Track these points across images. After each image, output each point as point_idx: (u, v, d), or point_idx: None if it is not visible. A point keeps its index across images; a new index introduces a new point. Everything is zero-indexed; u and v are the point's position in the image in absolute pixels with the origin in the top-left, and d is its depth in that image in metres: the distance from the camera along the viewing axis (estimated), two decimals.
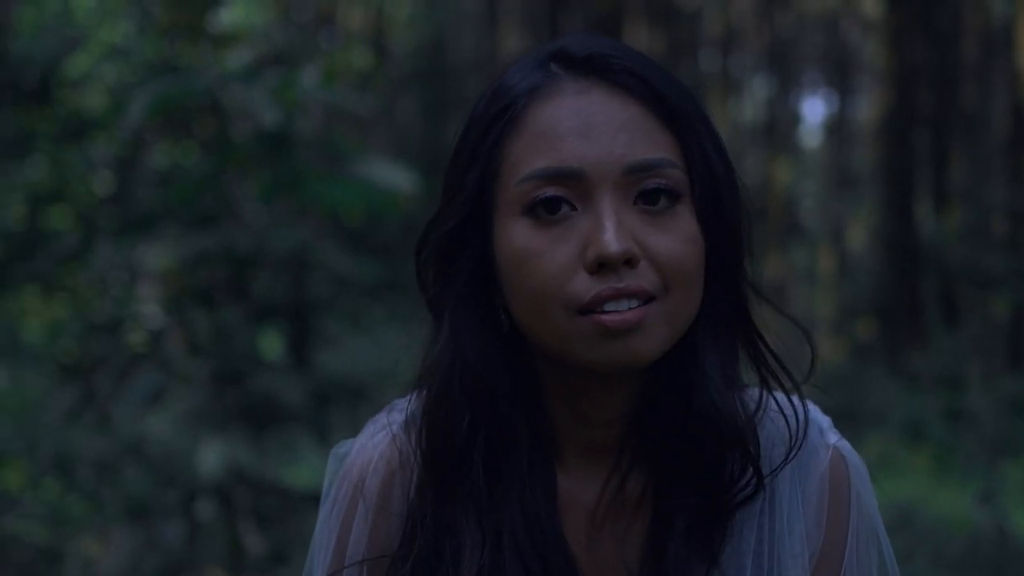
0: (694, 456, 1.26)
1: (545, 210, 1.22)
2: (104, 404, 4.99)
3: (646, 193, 1.22)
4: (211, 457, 4.67)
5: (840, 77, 45.71)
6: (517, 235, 1.23)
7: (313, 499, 5.16)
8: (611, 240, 1.18)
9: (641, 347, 1.20)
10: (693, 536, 1.26)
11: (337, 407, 5.09)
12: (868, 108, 46.28)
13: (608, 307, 1.20)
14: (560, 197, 1.21)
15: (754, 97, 54.06)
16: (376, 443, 1.36)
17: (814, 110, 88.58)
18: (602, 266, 1.19)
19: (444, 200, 1.31)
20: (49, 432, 7.81)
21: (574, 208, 1.22)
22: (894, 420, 13.63)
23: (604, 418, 1.29)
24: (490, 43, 35.60)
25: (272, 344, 5.36)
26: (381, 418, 1.38)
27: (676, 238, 1.22)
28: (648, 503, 1.29)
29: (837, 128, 46.80)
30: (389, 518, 1.32)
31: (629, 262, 1.19)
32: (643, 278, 1.20)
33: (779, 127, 41.26)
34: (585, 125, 1.22)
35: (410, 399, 1.34)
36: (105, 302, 16.82)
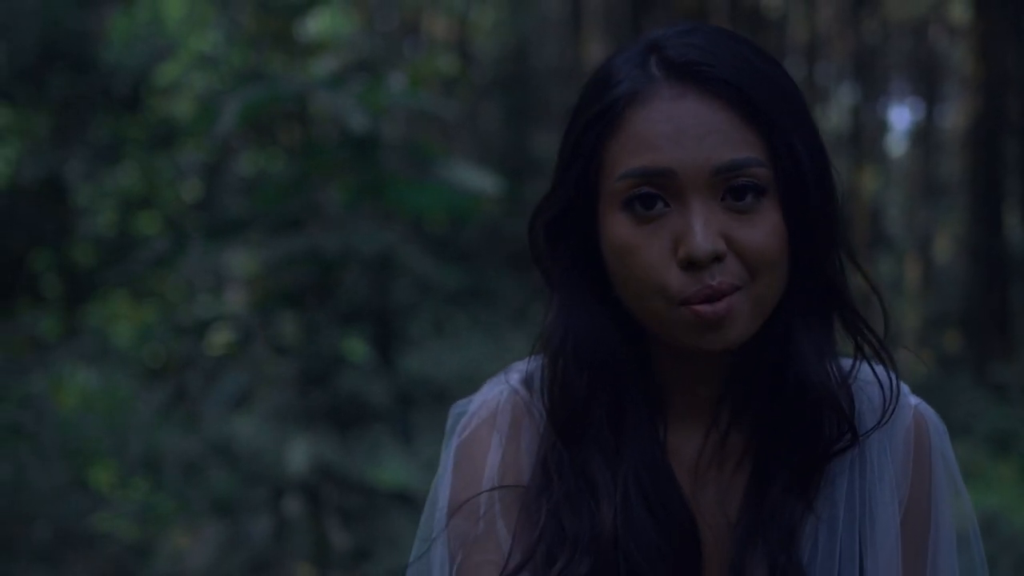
0: (791, 418, 1.38)
1: (642, 206, 1.33)
2: (193, 404, 5.08)
3: (733, 190, 1.32)
4: (298, 455, 4.76)
5: (927, 84, 45.26)
6: (617, 228, 1.35)
7: (397, 498, 5.25)
8: (700, 243, 1.30)
9: (731, 335, 1.33)
10: (791, 485, 1.38)
11: (420, 409, 5.16)
12: (956, 116, 45.80)
13: (700, 300, 1.31)
14: (655, 194, 1.33)
15: (840, 104, 53.66)
16: (498, 393, 1.47)
17: (901, 118, 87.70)
18: (692, 264, 1.31)
19: (551, 188, 1.43)
20: (138, 432, 7.97)
21: (667, 205, 1.33)
22: (980, 430, 13.49)
23: (703, 383, 1.42)
24: (573, 50, 35.66)
25: (358, 346, 5.44)
26: (499, 378, 1.49)
27: (761, 231, 1.32)
28: (749, 458, 1.41)
29: (924, 136, 46.33)
30: (518, 453, 1.43)
31: (718, 258, 1.31)
32: (730, 272, 1.32)
33: (865, 135, 40.93)
34: (677, 130, 1.32)
35: (528, 361, 1.47)
36: (193, 306, 17.11)
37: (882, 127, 50.51)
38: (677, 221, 1.32)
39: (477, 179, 5.15)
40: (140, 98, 16.38)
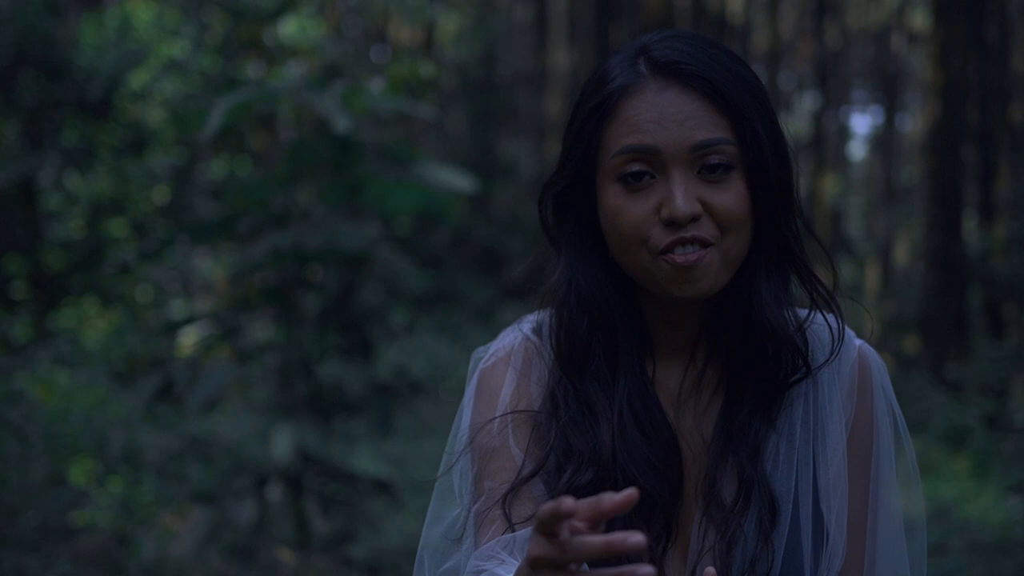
0: (756, 355, 1.70)
1: (632, 179, 1.65)
2: (180, 395, 5.28)
3: (707, 165, 1.64)
4: (281, 444, 4.97)
5: (888, 91, 45.64)
6: (612, 197, 1.67)
7: (376, 484, 5.46)
8: (680, 205, 1.62)
9: (702, 285, 1.64)
10: (756, 409, 1.70)
11: (397, 400, 5.38)
12: (916, 122, 46.18)
13: (677, 251, 1.63)
14: (643, 171, 1.64)
15: (802, 111, 54.03)
16: (513, 339, 1.81)
17: (862, 124, 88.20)
18: (673, 223, 1.62)
19: (557, 167, 1.75)
20: (119, 429, 8.12)
21: (653, 177, 1.65)
22: (936, 428, 13.81)
23: (683, 327, 1.74)
24: (539, 56, 35.84)
25: (337, 340, 5.65)
26: (514, 327, 1.84)
27: (730, 197, 1.64)
28: (721, 388, 1.73)
29: (885, 142, 46.71)
30: (529, 385, 1.74)
31: (694, 219, 1.63)
32: (703, 229, 1.63)
33: (827, 141, 41.24)
34: (661, 115, 1.64)
35: (537, 314, 1.81)
36: (164, 309, 17.18)
37: (844, 133, 50.89)
38: (661, 189, 1.64)
39: (453, 179, 5.39)
40: (111, 103, 16.47)
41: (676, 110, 1.63)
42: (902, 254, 46.74)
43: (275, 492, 5.29)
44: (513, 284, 26.56)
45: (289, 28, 18.72)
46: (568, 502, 1.22)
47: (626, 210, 1.64)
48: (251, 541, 5.21)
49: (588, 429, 1.66)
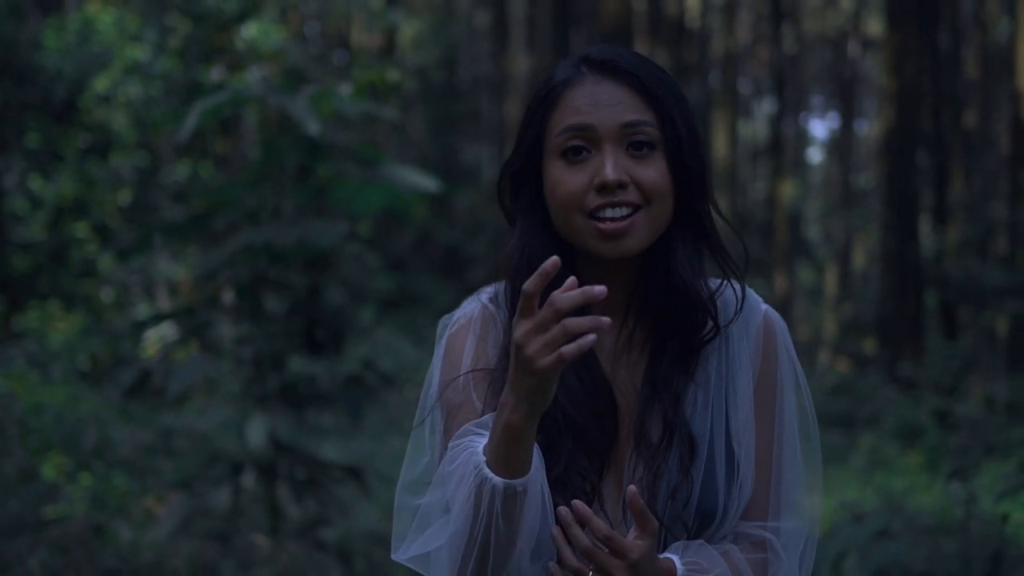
0: (675, 317, 1.98)
1: (572, 154, 1.94)
2: (158, 386, 5.47)
3: (634, 143, 1.93)
4: (255, 433, 5.18)
5: (845, 96, 46.07)
6: (555, 170, 1.95)
7: (347, 470, 5.67)
8: (610, 172, 1.91)
9: (629, 245, 1.93)
10: (676, 363, 1.97)
11: (367, 391, 5.60)
12: (873, 127, 46.64)
13: (607, 213, 1.90)
14: (581, 146, 1.93)
15: (762, 115, 54.45)
16: (472, 308, 2.06)
17: (820, 129, 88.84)
18: (604, 188, 1.91)
19: (513, 151, 2.02)
20: (89, 425, 8.28)
21: (589, 152, 1.93)
22: (890, 424, 14.15)
23: (615, 291, 1.94)
24: (499, 62, 36.07)
25: (308, 333, 5.85)
26: (473, 297, 2.09)
27: (652, 171, 1.93)
28: (648, 345, 2.00)
29: (842, 147, 47.17)
30: (486, 347, 2.01)
31: (621, 186, 1.91)
32: (630, 195, 1.92)
33: (785, 146, 41.57)
34: (596, 101, 1.94)
35: (494, 286, 2.07)
36: (128, 310, 17.26)
37: (802, 138, 51.32)
38: (595, 161, 1.92)
39: (418, 179, 5.62)
40: (76, 107, 16.59)
41: (609, 97, 1.94)
42: (860, 257, 47.20)
43: (249, 480, 5.50)
44: (474, 287, 26.71)
45: (251, 32, 18.90)
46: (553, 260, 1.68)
47: (566, 180, 1.92)
48: (227, 527, 5.42)
49: None
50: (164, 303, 21.60)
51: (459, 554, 1.84)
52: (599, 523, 1.78)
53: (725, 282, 2.02)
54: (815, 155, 58.25)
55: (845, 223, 43.77)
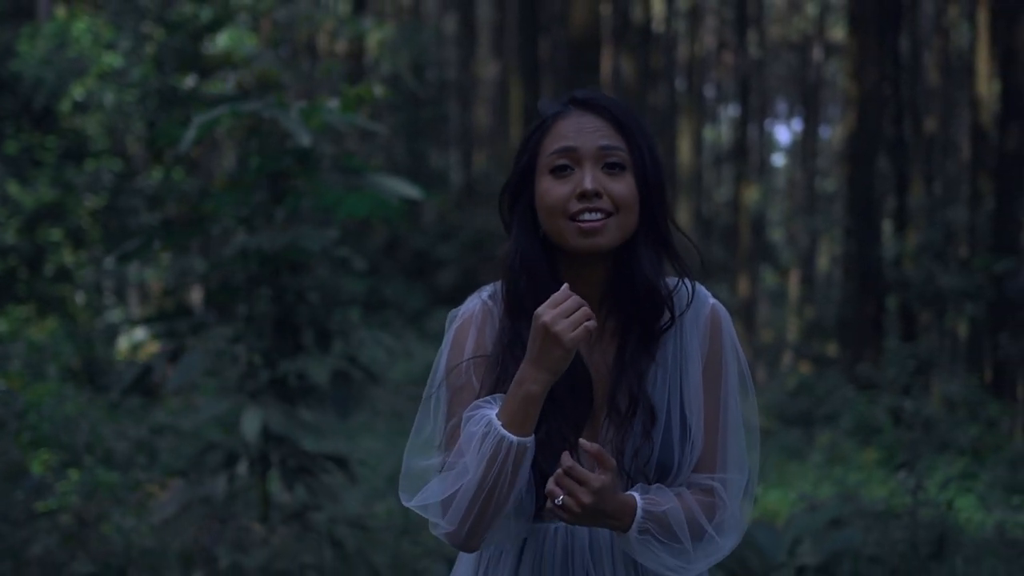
0: (640, 309, 2.46)
1: (559, 170, 2.43)
2: (159, 381, 5.81)
3: (608, 164, 2.42)
4: (250, 425, 5.55)
5: (808, 102, 46.53)
6: (545, 183, 2.44)
7: (333, 460, 6.03)
8: (588, 183, 2.39)
9: (601, 242, 2.40)
10: (640, 346, 2.46)
11: (354, 385, 5.98)
12: (837, 131, 47.10)
13: (585, 216, 2.38)
14: (566, 164, 2.42)
15: (727, 120, 54.90)
16: (475, 303, 2.53)
17: (784, 134, 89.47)
18: (583, 196, 2.38)
19: (511, 172, 2.50)
20: (81, 422, 8.59)
21: (572, 170, 2.42)
22: (847, 423, 14.59)
23: (591, 287, 2.46)
24: (467, 68, 36.38)
25: (297, 332, 6.21)
26: (476, 295, 2.54)
27: (623, 186, 2.41)
28: (618, 333, 2.48)
29: (806, 152, 47.62)
30: (485, 339, 2.48)
31: (597, 195, 2.39)
32: (604, 203, 2.40)
33: (749, 151, 41.94)
34: (580, 129, 2.44)
35: (493, 285, 2.54)
36: (102, 312, 17.46)
37: (766, 143, 51.77)
38: (577, 176, 2.40)
39: (402, 188, 6.01)
40: (54, 113, 16.84)
41: (590, 126, 2.42)
42: (825, 261, 47.67)
43: (243, 469, 5.87)
44: (444, 291, 27.09)
45: (224, 41, 19.17)
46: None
47: (554, 190, 2.40)
48: (222, 513, 5.78)
49: (520, 357, 2.37)
50: (135, 307, 21.88)
51: (469, 498, 2.28)
52: (567, 458, 2.24)
53: (679, 281, 2.50)
54: (779, 160, 58.82)
55: (808, 227, 44.21)
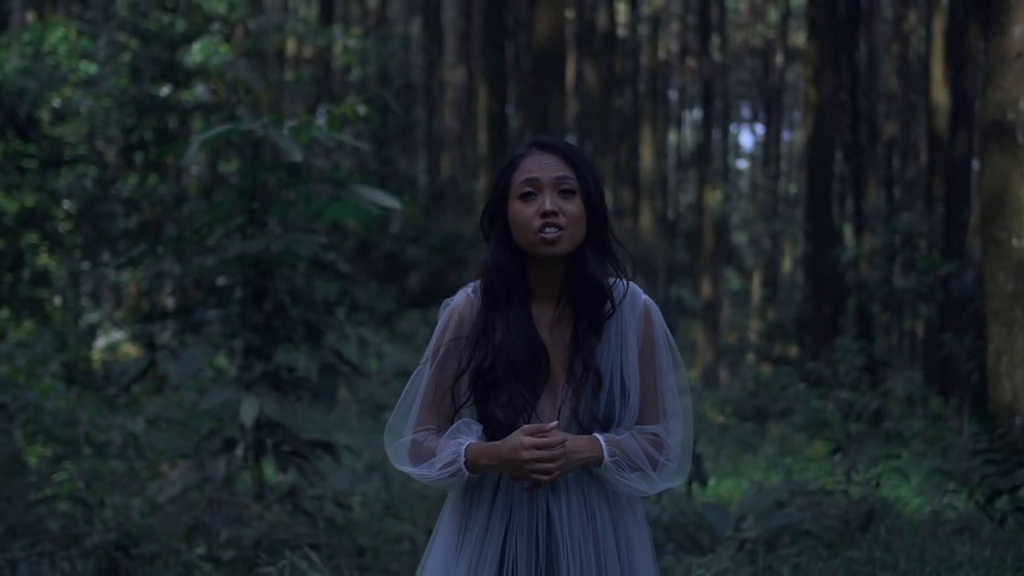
0: (588, 301, 3.17)
1: (526, 196, 3.14)
2: (162, 373, 6.41)
3: (562, 190, 3.13)
4: (248, 412, 6.17)
5: (769, 107, 47.17)
6: (516, 206, 3.15)
7: (321, 445, 6.64)
8: (548, 205, 3.10)
9: (559, 249, 3.10)
10: (589, 328, 3.17)
11: (340, 376, 6.61)
12: (798, 136, 47.78)
13: (547, 231, 3.08)
14: (531, 191, 3.13)
15: (690, 123, 55.54)
16: (462, 296, 3.25)
17: (747, 138, 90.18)
18: (544, 215, 3.09)
19: (489, 198, 3.23)
20: (78, 415, 9.13)
21: (535, 195, 3.13)
22: (799, 417, 15.27)
23: (551, 285, 3.19)
24: (434, 73, 36.88)
25: (289, 328, 6.81)
26: (464, 289, 3.26)
27: (573, 207, 3.12)
28: (572, 319, 3.19)
29: (768, 156, 48.26)
30: (465, 324, 3.20)
31: (555, 214, 3.09)
32: (560, 220, 3.10)
33: (712, 155, 42.44)
34: (541, 165, 3.15)
35: (475, 283, 3.24)
36: (82, 315, 17.88)
37: (730, 147, 52.40)
38: (539, 200, 3.11)
39: (379, 197, 6.65)
40: (37, 122, 17.32)
41: (549, 162, 3.14)
42: (788, 263, 48.33)
43: (240, 452, 6.49)
44: (414, 294, 27.64)
45: (199, 52, 19.71)
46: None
47: (523, 211, 3.12)
48: (222, 492, 6.38)
49: (492, 337, 3.13)
50: (109, 309, 22.35)
51: (428, 478, 3.12)
52: (529, 426, 3.01)
53: (617, 279, 3.22)
54: (743, 163, 59.53)
55: (769, 230, 44.81)
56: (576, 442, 3.04)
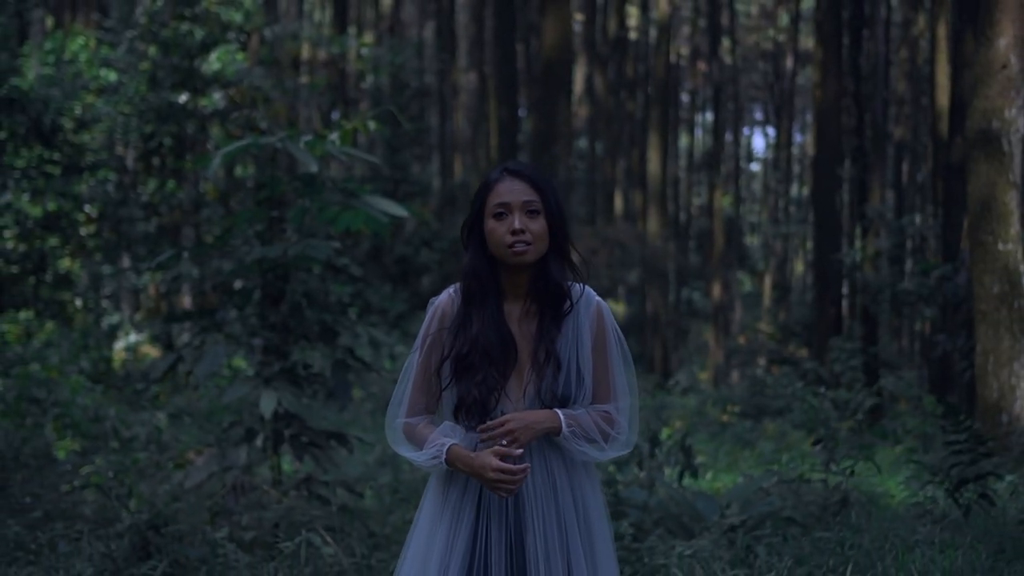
0: (551, 300, 3.75)
1: (499, 216, 3.71)
2: (188, 369, 6.94)
3: (529, 211, 3.71)
4: (267, 405, 6.70)
5: (780, 110, 47.48)
6: (491, 223, 3.72)
7: (335, 436, 7.16)
8: (517, 224, 3.68)
9: (527, 259, 3.69)
10: (552, 323, 3.75)
11: (353, 373, 7.14)
12: (809, 139, 48.09)
13: (517, 246, 3.66)
14: (503, 212, 3.70)
15: (702, 126, 55.91)
16: (445, 296, 3.82)
17: (759, 141, 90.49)
18: (514, 232, 3.67)
19: (468, 214, 3.79)
20: (105, 411, 9.63)
21: (507, 215, 3.71)
22: (796, 415, 15.74)
23: (520, 287, 3.77)
24: (446, 76, 37.30)
25: (305, 328, 7.34)
26: (447, 289, 3.84)
27: (538, 225, 3.71)
28: (536, 316, 3.77)
29: (779, 159, 48.60)
30: (448, 318, 3.77)
31: (523, 231, 3.68)
32: (527, 236, 3.68)
33: (724, 157, 42.74)
34: (511, 189, 3.72)
35: (456, 284, 3.79)
36: (102, 317, 18.34)
37: (741, 150, 52.71)
38: (510, 220, 3.66)
39: (389, 207, 7.17)
40: (60, 129, 17.86)
41: (518, 187, 3.68)
42: (800, 265, 48.65)
43: (260, 443, 7.03)
44: (426, 296, 27.98)
45: (216, 60, 20.26)
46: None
47: (497, 228, 3.66)
48: (242, 480, 6.91)
49: (469, 329, 3.68)
50: (128, 311, 22.89)
51: (414, 460, 3.71)
52: (498, 448, 3.54)
53: (574, 283, 3.78)
54: (755, 166, 59.89)
55: (776, 233, 45.14)
56: (539, 415, 3.61)
